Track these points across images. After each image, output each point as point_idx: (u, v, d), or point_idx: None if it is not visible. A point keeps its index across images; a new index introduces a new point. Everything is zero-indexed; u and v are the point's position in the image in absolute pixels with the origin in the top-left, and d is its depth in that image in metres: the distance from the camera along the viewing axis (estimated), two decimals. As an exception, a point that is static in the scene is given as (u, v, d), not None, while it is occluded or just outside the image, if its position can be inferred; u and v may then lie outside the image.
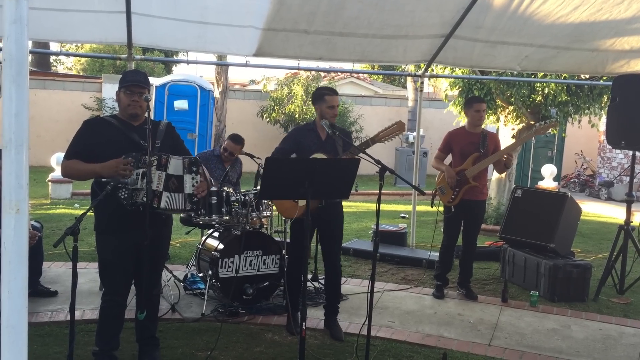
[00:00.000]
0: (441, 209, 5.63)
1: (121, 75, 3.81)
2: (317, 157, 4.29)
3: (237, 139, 5.93)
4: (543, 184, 13.21)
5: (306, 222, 3.63)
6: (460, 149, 5.59)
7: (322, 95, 4.53)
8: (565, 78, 8.27)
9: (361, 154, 4.09)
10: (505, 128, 9.61)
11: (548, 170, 13.49)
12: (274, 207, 5.01)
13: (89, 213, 3.29)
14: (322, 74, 17.50)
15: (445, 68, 8.67)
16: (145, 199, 3.44)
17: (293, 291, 4.63)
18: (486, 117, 9.38)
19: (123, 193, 3.44)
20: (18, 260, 1.70)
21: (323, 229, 4.59)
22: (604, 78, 8.00)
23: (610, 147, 9.07)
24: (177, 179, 3.58)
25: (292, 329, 4.51)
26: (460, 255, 5.82)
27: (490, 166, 5.73)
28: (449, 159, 5.75)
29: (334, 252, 4.65)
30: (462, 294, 5.72)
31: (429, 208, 5.60)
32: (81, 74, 23.74)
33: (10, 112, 1.68)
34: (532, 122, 8.99)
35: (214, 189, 5.19)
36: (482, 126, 5.73)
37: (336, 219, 4.61)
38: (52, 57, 24.66)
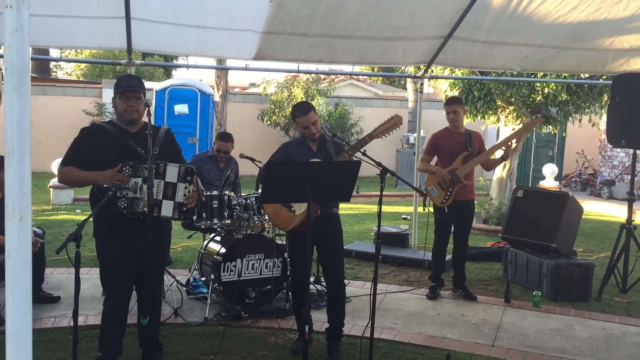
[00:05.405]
0: (432, 209, 5.60)
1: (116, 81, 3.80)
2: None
3: (225, 137, 5.97)
4: (544, 184, 13.20)
5: (308, 226, 3.59)
6: (448, 149, 5.57)
7: (294, 117, 4.23)
8: (565, 77, 8.27)
9: (362, 156, 4.03)
10: (505, 128, 9.61)
11: (549, 170, 13.48)
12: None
13: (90, 219, 3.29)
14: (322, 76, 17.50)
15: (444, 69, 8.66)
16: (144, 209, 3.44)
17: (301, 313, 4.22)
18: (487, 117, 9.41)
19: (122, 203, 3.44)
20: (22, 267, 1.71)
21: (319, 241, 4.15)
22: (604, 77, 8.00)
23: (611, 145, 9.07)
24: (172, 187, 3.56)
25: (297, 349, 4.24)
26: (453, 257, 5.78)
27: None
28: (433, 161, 5.75)
29: (333, 267, 4.22)
30: (461, 295, 5.72)
31: (431, 209, 5.60)
32: (81, 79, 23.76)
33: (12, 120, 1.69)
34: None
35: (215, 192, 5.21)
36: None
37: (333, 230, 4.23)
38: (52, 63, 24.69)
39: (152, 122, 3.61)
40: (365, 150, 4.13)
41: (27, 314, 1.71)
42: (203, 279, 5.39)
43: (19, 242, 1.69)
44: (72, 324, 3.33)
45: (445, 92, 9.66)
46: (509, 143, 5.60)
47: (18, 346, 1.69)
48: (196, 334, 4.57)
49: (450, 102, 5.71)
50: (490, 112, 9.25)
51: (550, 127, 9.38)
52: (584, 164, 15.81)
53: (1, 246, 4.54)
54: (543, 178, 13.70)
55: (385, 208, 9.94)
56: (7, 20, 1.67)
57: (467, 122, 8.91)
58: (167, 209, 3.55)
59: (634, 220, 6.10)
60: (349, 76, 20.93)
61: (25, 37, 1.68)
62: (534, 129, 10.84)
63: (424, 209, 5.51)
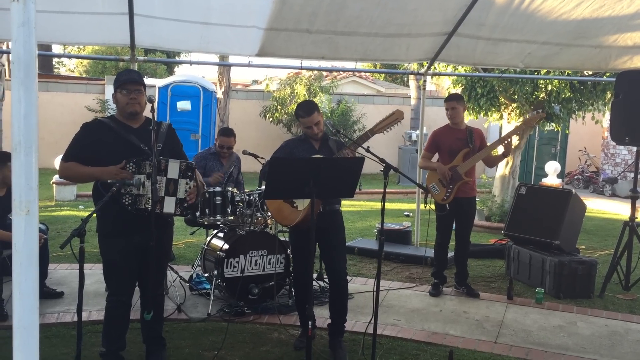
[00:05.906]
0: (433, 206, 5.59)
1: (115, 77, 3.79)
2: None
3: (227, 132, 5.97)
4: (547, 181, 13.18)
5: (312, 222, 3.58)
6: (449, 146, 5.56)
7: (297, 117, 4.25)
8: (568, 75, 8.26)
9: (365, 152, 4.00)
10: (508, 125, 9.60)
11: (552, 167, 13.45)
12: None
13: (94, 215, 3.30)
14: (325, 73, 17.49)
15: (447, 66, 8.66)
16: (147, 206, 3.44)
17: (304, 311, 4.07)
18: (490, 114, 9.40)
19: (127, 199, 3.45)
20: (28, 261, 1.72)
21: (322, 238, 4.13)
22: (607, 74, 7.99)
23: (614, 143, 9.05)
24: (173, 183, 3.56)
25: (299, 345, 4.27)
26: (455, 254, 5.80)
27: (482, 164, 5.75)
28: (435, 158, 5.75)
29: (336, 263, 4.21)
30: (463, 292, 5.72)
31: (432, 206, 5.60)
32: (84, 75, 23.77)
33: (19, 114, 1.69)
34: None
35: (218, 189, 5.21)
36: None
37: (335, 226, 4.22)
38: (55, 59, 24.68)
39: (155, 118, 3.61)
40: (368, 147, 4.08)
41: (34, 307, 1.72)
42: (206, 275, 5.40)
43: (25, 235, 1.70)
44: (75, 319, 3.34)
45: (448, 89, 9.67)
46: (509, 139, 5.60)
47: (25, 340, 1.70)
48: (199, 329, 4.58)
49: (450, 98, 5.70)
50: (493, 109, 9.24)
51: (553, 124, 9.38)
52: (586, 161, 15.79)
53: (5, 242, 4.55)
54: (545, 175, 13.68)
55: (388, 205, 9.92)
56: (14, 14, 1.68)
57: (470, 119, 8.91)
58: (169, 205, 3.56)
59: (636, 218, 6.10)
60: (351, 73, 20.91)
61: (32, 31, 1.68)
62: (537, 126, 10.84)
63: (425, 206, 5.50)
